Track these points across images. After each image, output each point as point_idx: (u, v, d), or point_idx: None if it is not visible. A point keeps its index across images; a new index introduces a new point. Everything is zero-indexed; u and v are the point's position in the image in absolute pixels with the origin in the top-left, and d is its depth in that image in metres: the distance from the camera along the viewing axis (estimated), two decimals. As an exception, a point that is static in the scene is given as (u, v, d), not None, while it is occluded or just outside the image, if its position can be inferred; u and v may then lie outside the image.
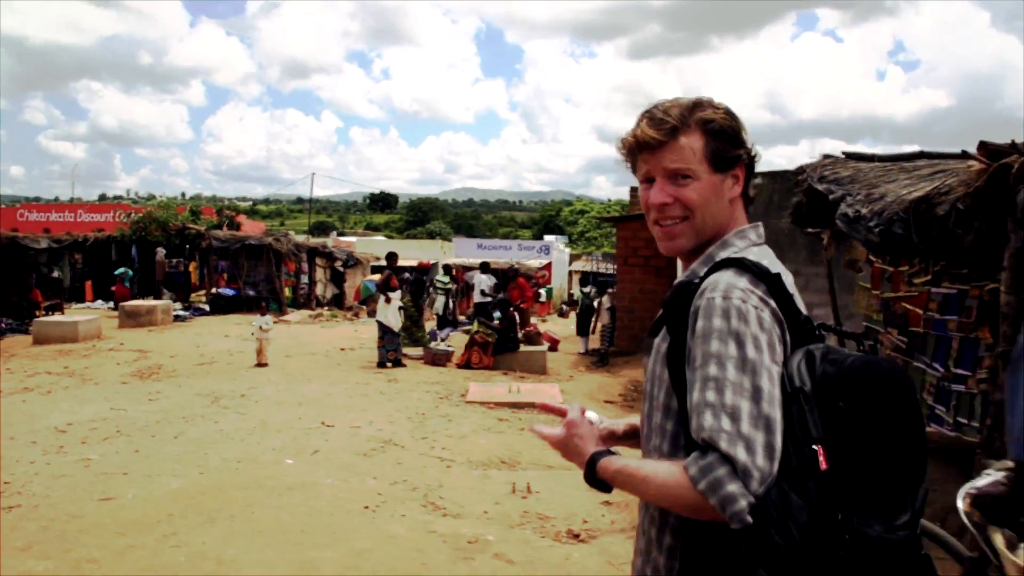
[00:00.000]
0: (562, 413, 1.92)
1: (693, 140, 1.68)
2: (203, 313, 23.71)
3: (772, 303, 1.56)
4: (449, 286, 18.06)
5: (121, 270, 24.87)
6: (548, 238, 59.32)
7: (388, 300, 13.81)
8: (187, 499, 5.89)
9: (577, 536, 5.53)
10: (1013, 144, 5.10)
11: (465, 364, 14.31)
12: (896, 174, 7.51)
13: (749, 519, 1.40)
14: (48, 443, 7.66)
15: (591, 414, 1.93)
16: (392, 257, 14.74)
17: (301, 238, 31.98)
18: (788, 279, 1.70)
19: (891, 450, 1.46)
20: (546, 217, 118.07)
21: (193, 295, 26.91)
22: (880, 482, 1.45)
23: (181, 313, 22.42)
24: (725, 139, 1.70)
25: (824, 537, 1.40)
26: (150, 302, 21.72)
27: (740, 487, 1.40)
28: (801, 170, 8.71)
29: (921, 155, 8.17)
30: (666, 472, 1.52)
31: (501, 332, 14.71)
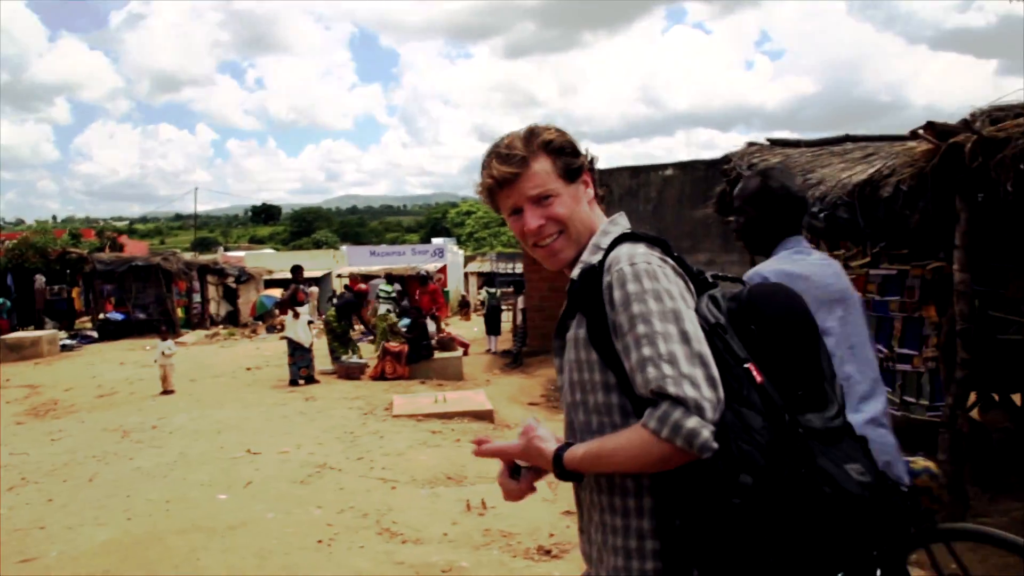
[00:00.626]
0: (504, 453, 1.96)
1: (543, 163, 1.85)
2: (92, 340, 22.53)
3: (671, 261, 1.75)
4: (393, 295, 17.57)
5: (-2, 301, 23.48)
6: (436, 241, 58.90)
7: (296, 315, 13.28)
8: (120, 551, 5.39)
9: (549, 552, 5.27)
10: (965, 123, 5.09)
11: (379, 376, 13.92)
12: (827, 159, 7.49)
13: (715, 444, 1.54)
14: (-53, 498, 6.98)
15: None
16: (297, 270, 14.20)
17: (188, 255, 30.81)
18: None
19: (803, 355, 1.72)
20: (432, 220, 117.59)
21: (77, 322, 25.58)
22: (804, 384, 1.67)
23: (68, 342, 21.26)
24: (566, 154, 1.89)
25: (782, 436, 1.56)
26: (33, 333, 20.55)
27: (698, 420, 1.53)
28: (727, 159, 8.66)
29: (847, 138, 8.21)
30: (628, 437, 1.64)
31: (413, 341, 14.36)
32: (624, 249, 1.75)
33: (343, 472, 7.43)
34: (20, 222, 63.45)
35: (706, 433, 1.53)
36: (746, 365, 1.63)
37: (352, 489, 6.88)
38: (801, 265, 2.78)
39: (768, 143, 8.54)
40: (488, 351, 18.21)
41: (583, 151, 1.94)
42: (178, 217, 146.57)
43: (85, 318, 27.45)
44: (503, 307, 20.10)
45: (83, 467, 7.97)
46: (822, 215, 6.44)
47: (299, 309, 13.31)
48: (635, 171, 12.65)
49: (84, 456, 8.44)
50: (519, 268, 35.34)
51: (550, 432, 1.85)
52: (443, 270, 38.86)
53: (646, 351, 1.61)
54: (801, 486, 1.55)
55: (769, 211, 2.90)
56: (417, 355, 14.24)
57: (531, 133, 1.89)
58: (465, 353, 16.44)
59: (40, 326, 24.07)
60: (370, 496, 6.67)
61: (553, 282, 16.98)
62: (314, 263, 40.46)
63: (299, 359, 13.32)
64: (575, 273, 1.86)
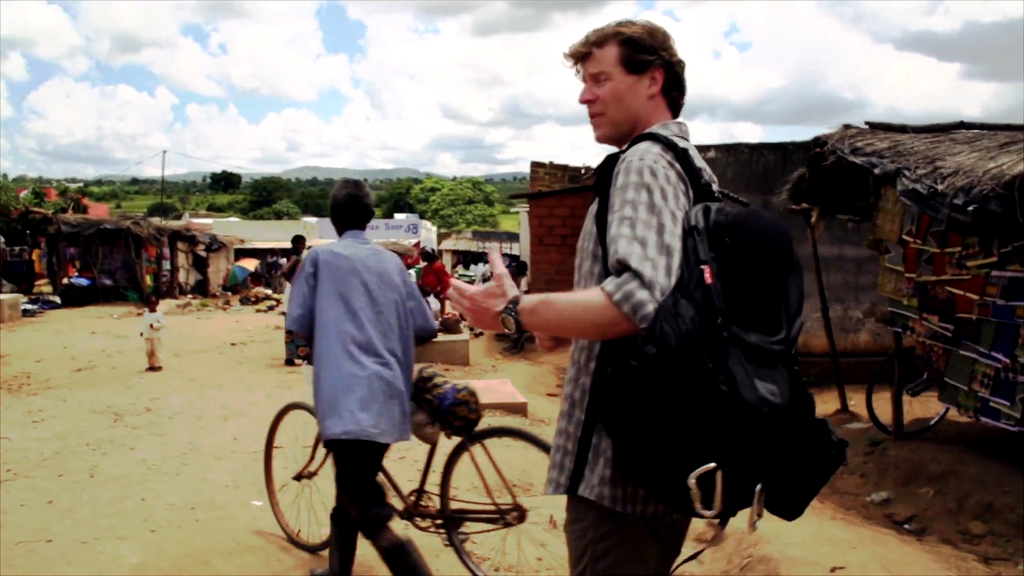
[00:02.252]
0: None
1: (610, 50, 2.11)
2: (54, 306, 21.18)
3: (678, 166, 1.93)
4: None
5: (-49, 262, 22.02)
6: (399, 216, 57.80)
7: (297, 289, 12.21)
8: (160, 579, 4.38)
9: None
10: None
11: (383, 358, 12.89)
12: (951, 146, 6.64)
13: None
14: (-78, 493, 5.89)
15: None
16: (299, 240, 13.07)
17: (156, 221, 29.40)
18: (697, 158, 2.02)
19: (766, 279, 1.84)
20: (395, 195, 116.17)
21: (36, 285, 24.16)
22: (759, 304, 1.81)
23: (29, 307, 19.88)
24: (636, 47, 2.09)
25: (706, 333, 1.70)
26: (-7, 296, 19.15)
27: (648, 294, 1.74)
28: (820, 141, 7.78)
29: (961, 125, 7.41)
30: (585, 295, 1.84)
31: (417, 321, 13.36)
32: (641, 146, 1.95)
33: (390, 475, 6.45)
34: (-32, 179, 60.80)
35: (650, 307, 1.72)
36: (702, 266, 1.77)
37: (407, 497, 5.92)
38: (350, 249, 3.79)
39: (868, 126, 7.70)
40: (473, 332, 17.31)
41: (665, 52, 2.11)
42: (135, 181, 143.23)
43: (42, 281, 26.03)
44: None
45: (79, 458, 6.90)
46: (970, 208, 5.57)
47: (300, 283, 12.24)
48: (675, 150, 11.78)
49: (77, 444, 7.37)
50: (514, 249, 34.38)
51: (509, 290, 1.96)
52: (417, 246, 37.81)
53: (624, 230, 1.82)
54: (702, 376, 1.66)
55: (341, 212, 3.94)
56: (419, 337, 13.24)
57: (617, 24, 2.12)
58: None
59: (-4, 289, 22.69)
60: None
61: (559, 265, 16.08)
62: (284, 234, 39.13)
63: (298, 337, 12.24)
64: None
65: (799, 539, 4.95)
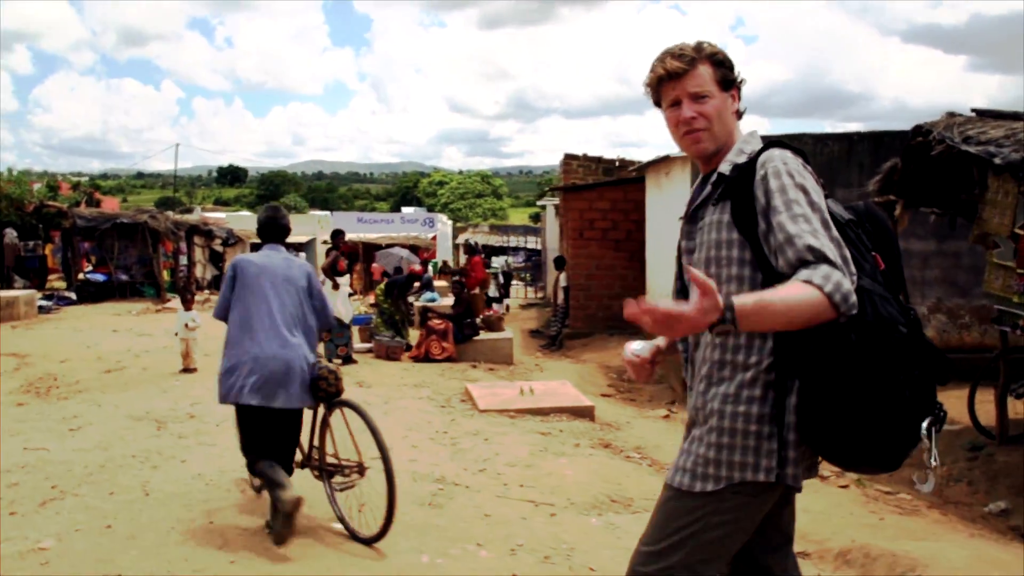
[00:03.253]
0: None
1: (706, 69, 2.26)
2: (70, 302, 20.57)
3: (810, 169, 2.18)
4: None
5: (-38, 256, 21.43)
6: (407, 210, 57.12)
7: (336, 286, 11.61)
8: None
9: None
10: None
11: (424, 357, 12.29)
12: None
13: (855, 303, 1.92)
14: (-38, 515, 5.29)
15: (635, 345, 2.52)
16: (338, 235, 12.43)
17: (172, 215, 28.76)
18: None
19: (895, 260, 2.20)
20: (402, 188, 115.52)
21: (48, 281, 23.59)
22: (895, 283, 2.14)
23: (44, 303, 19.26)
24: (726, 67, 2.29)
25: (901, 314, 2.02)
26: (8, 292, 18.52)
27: (850, 284, 1.92)
28: (922, 130, 7.15)
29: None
30: (798, 291, 1.92)
31: (457, 319, 12.75)
32: (776, 152, 2.16)
33: (473, 490, 5.85)
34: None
35: (854, 297, 1.91)
36: (873, 253, 2.11)
37: (501, 516, 5.31)
38: (264, 258, 4.91)
39: (975, 114, 7.09)
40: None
41: (737, 71, 2.32)
42: (140, 175, 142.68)
43: (55, 276, 25.46)
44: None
45: (127, 472, 6.30)
46: None
47: (339, 280, 11.63)
48: (738, 139, 11.18)
49: (122, 455, 6.78)
50: (528, 243, 33.76)
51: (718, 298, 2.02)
52: (434, 240, 37.20)
53: (803, 225, 1.98)
54: (926, 352, 2.01)
55: (263, 230, 5.12)
56: (461, 334, 12.64)
57: (700, 44, 2.29)
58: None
59: (8, 284, 22.08)
60: (531, 527, 5.12)
61: (600, 259, 15.48)
62: (297, 228, 38.53)
63: (337, 336, 11.66)
64: (724, 168, 2.25)
65: (961, 563, 4.39)
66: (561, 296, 15.66)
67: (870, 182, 8.42)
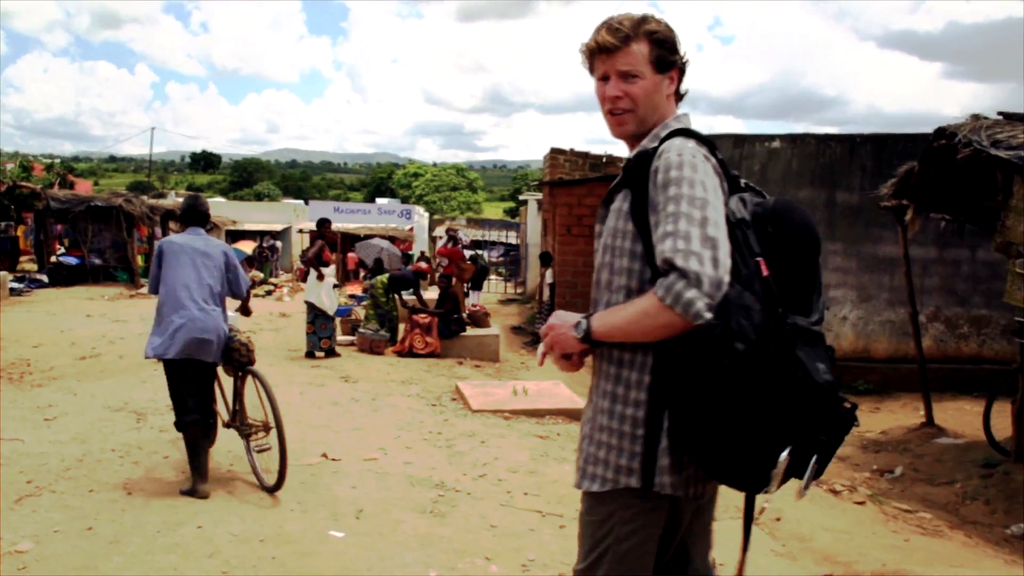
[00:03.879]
0: None
1: (641, 47, 2.13)
2: (41, 285, 20.04)
3: (713, 159, 2.03)
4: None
5: (-69, 236, 20.82)
6: (381, 200, 56.57)
7: (321, 277, 11.24)
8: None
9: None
10: None
11: (408, 351, 11.98)
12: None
13: (707, 315, 1.82)
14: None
15: None
16: (324, 223, 12.06)
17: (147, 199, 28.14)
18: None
19: (803, 265, 1.97)
20: (376, 179, 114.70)
21: (18, 263, 22.99)
22: (798, 289, 1.94)
23: (15, 285, 18.73)
24: (666, 47, 2.15)
25: (772, 323, 1.84)
26: (-22, 274, 17.99)
27: (696, 291, 1.82)
28: (946, 133, 6.90)
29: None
30: (641, 302, 1.95)
31: (443, 314, 12.45)
32: (677, 141, 2.02)
33: (476, 497, 5.56)
34: (-58, 152, 58.82)
35: (700, 304, 1.82)
36: (757, 259, 1.91)
37: (508, 527, 5.03)
38: (185, 240, 5.62)
39: (1002, 117, 6.86)
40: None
41: (681, 52, 2.19)
42: (112, 159, 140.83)
43: (25, 258, 24.86)
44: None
45: (107, 467, 5.97)
46: None
47: (324, 270, 11.28)
48: (738, 140, 10.91)
49: (100, 449, 6.43)
50: (505, 237, 33.46)
51: (563, 317, 2.14)
52: (411, 231, 36.85)
53: (669, 227, 1.89)
54: (779, 366, 1.82)
55: (185, 215, 5.87)
56: (448, 330, 12.34)
57: (642, 19, 2.15)
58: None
59: (-22, 266, 21.52)
60: (541, 540, 4.84)
61: (587, 257, 15.19)
62: (273, 216, 38.02)
63: (320, 328, 11.32)
64: (633, 154, 2.16)
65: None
66: (547, 293, 15.39)
67: (883, 185, 8.22)
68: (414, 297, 12.97)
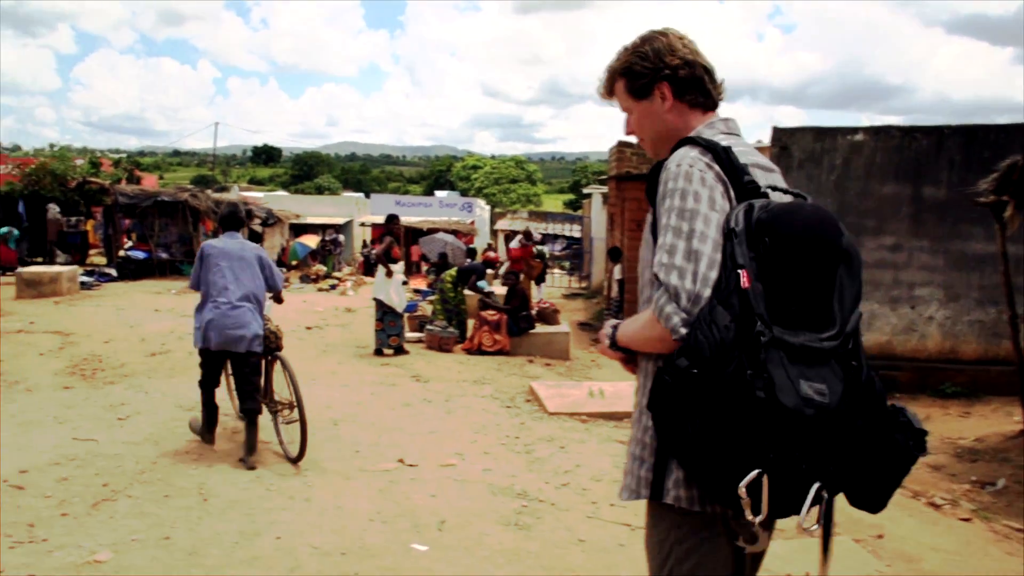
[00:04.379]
0: None
1: (620, 85, 2.21)
2: (110, 279, 20.28)
3: (716, 167, 1.90)
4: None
5: (5, 230, 21.17)
6: (440, 193, 56.53)
7: (389, 273, 11.10)
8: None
9: None
10: None
11: (477, 349, 11.80)
12: None
13: (683, 331, 1.77)
14: (8, 516, 4.84)
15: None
16: (393, 219, 11.89)
17: (213, 194, 28.36)
18: (747, 155, 2.03)
19: (811, 274, 1.76)
20: (435, 172, 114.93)
21: (88, 257, 23.33)
22: (806, 301, 1.74)
23: (85, 279, 18.94)
24: (633, 76, 2.15)
25: (744, 340, 1.67)
26: (51, 268, 18.22)
27: (674, 306, 1.79)
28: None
29: None
30: (643, 315, 1.95)
31: (512, 311, 12.22)
32: (680, 150, 1.95)
33: (560, 508, 5.33)
34: (17, 148, 60.14)
35: (676, 319, 1.78)
36: (739, 270, 1.73)
37: (597, 542, 4.79)
38: (224, 243, 6.35)
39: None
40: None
41: (663, 65, 2.10)
42: (176, 153, 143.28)
43: (94, 252, 25.26)
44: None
45: (182, 471, 5.86)
46: None
47: (393, 267, 11.13)
48: (819, 133, 10.46)
49: (174, 450, 6.35)
50: (568, 230, 33.17)
51: (609, 324, 2.12)
52: (472, 224, 36.70)
53: (661, 239, 1.87)
54: (738, 384, 1.65)
55: (224, 220, 6.70)
56: (517, 327, 12.12)
57: (615, 59, 2.21)
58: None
59: (50, 259, 21.85)
60: (633, 557, 4.57)
61: (658, 251, 14.89)
62: (335, 209, 38.13)
63: (390, 325, 11.18)
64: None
65: None
66: (616, 289, 15.09)
67: (982, 181, 7.77)
68: (486, 286, 12.79)
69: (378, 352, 11.20)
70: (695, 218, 1.83)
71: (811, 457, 1.68)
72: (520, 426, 7.45)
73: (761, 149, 10.57)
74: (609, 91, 2.25)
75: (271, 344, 6.45)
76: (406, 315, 12.51)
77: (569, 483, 5.84)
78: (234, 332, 6.12)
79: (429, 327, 12.41)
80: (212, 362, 6.37)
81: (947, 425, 9.20)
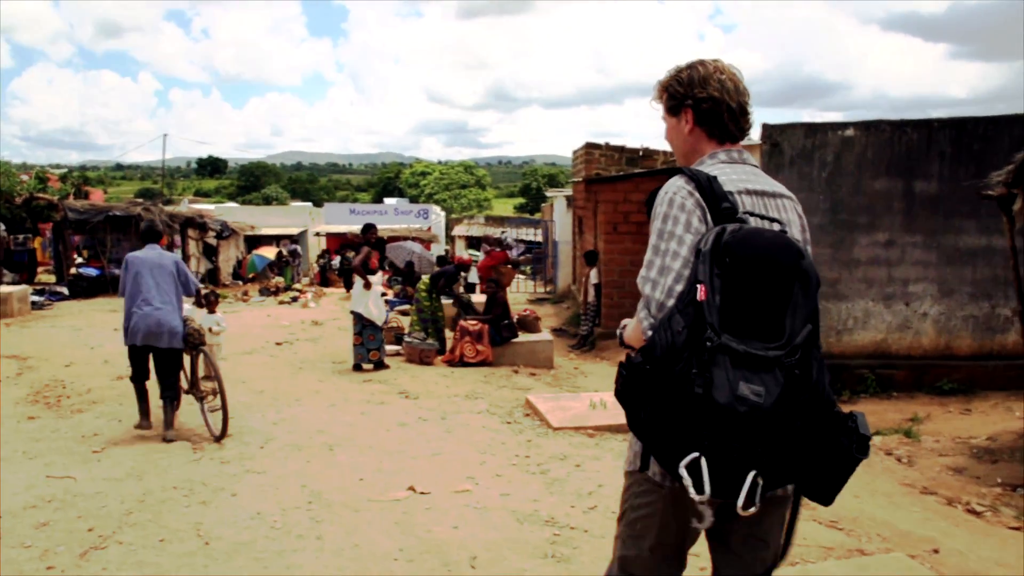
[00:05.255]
0: None
1: (662, 99, 2.46)
2: (62, 297, 19.48)
3: (697, 195, 2.16)
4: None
5: (-52, 250, 20.23)
6: (390, 201, 55.91)
7: (368, 285, 10.61)
8: None
9: None
10: None
11: (459, 360, 11.37)
12: None
13: (650, 333, 2.08)
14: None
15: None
16: (370, 229, 11.38)
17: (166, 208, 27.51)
18: (732, 182, 2.26)
19: (765, 292, 1.99)
20: (384, 179, 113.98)
21: (37, 275, 22.43)
22: (760, 316, 1.96)
23: (36, 299, 18.14)
24: (669, 95, 2.43)
25: (694, 344, 1.94)
26: (1, 288, 17.38)
27: (645, 312, 2.14)
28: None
29: None
30: (635, 319, 2.24)
31: (493, 320, 11.81)
32: (670, 180, 2.24)
33: (593, 535, 4.91)
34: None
35: (646, 323, 2.13)
36: (698, 284, 1.99)
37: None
38: (145, 253, 7.30)
39: None
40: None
41: (693, 92, 2.36)
42: (119, 167, 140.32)
43: (41, 270, 24.35)
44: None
45: (173, 509, 5.36)
46: None
47: (372, 278, 10.65)
48: (810, 129, 10.18)
49: (160, 486, 5.83)
50: (526, 234, 32.82)
51: (623, 323, 2.42)
52: (429, 231, 36.24)
53: (645, 257, 2.19)
54: (681, 380, 1.93)
55: (144, 234, 7.66)
56: (499, 337, 11.70)
57: (667, 73, 2.46)
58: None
59: (-3, 279, 20.97)
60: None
61: (635, 256, 14.55)
62: (289, 220, 37.48)
63: (368, 339, 10.69)
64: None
65: None
66: (592, 293, 14.73)
67: (994, 174, 7.53)
68: (463, 292, 12.34)
69: (357, 368, 10.71)
70: (671, 239, 2.13)
71: (745, 447, 1.89)
72: (527, 444, 7.04)
73: (751, 147, 10.32)
74: (659, 99, 2.49)
75: (194, 340, 7.38)
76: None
77: (596, 506, 5.44)
78: (156, 330, 7.05)
79: (407, 339, 11.93)
80: (138, 357, 7.28)
81: (950, 424, 8.98)
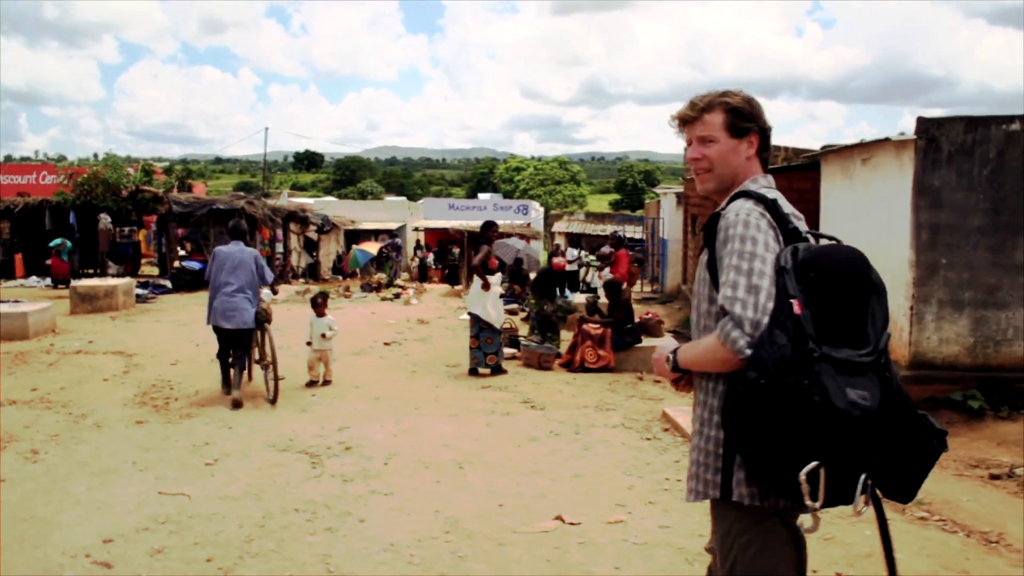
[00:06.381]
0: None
1: (716, 116, 2.44)
2: (165, 291, 19.44)
3: (768, 216, 2.28)
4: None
5: (58, 241, 20.43)
6: (483, 196, 55.54)
7: (487, 286, 9.99)
8: None
9: None
10: None
11: (579, 366, 10.67)
12: None
13: (748, 351, 2.12)
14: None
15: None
16: (490, 227, 10.70)
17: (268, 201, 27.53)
18: (786, 205, 2.38)
19: (849, 302, 2.13)
20: (478, 174, 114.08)
21: (140, 267, 22.57)
22: (846, 324, 2.10)
23: (141, 292, 18.10)
24: (739, 115, 2.43)
25: (799, 355, 2.03)
26: (106, 281, 17.39)
27: (739, 331, 2.14)
28: None
29: None
30: (707, 340, 2.30)
31: (616, 324, 11.07)
32: (737, 203, 2.32)
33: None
34: (62, 158, 60.11)
35: (741, 342, 2.14)
36: (791, 299, 2.09)
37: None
38: (230, 248, 8.51)
39: None
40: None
41: (761, 120, 2.47)
42: (218, 160, 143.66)
43: (144, 262, 24.53)
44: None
45: (297, 537, 4.80)
46: None
47: (491, 278, 10.02)
48: (971, 123, 9.17)
49: (280, 508, 5.29)
50: (629, 232, 31.96)
51: (662, 347, 2.52)
52: (529, 227, 35.62)
53: (724, 277, 2.22)
54: (797, 391, 2.01)
55: (231, 232, 8.85)
56: (622, 342, 10.95)
57: (722, 93, 2.47)
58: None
59: (103, 271, 21.10)
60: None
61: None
62: (387, 215, 37.28)
63: (486, 343, 10.08)
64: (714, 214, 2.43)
65: None
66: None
67: None
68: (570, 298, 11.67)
69: (473, 372, 10.11)
70: (754, 258, 2.20)
71: (858, 452, 2.04)
72: (675, 465, 6.30)
73: (904, 142, 9.34)
74: (696, 115, 2.46)
75: (262, 318, 8.58)
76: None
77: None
78: (230, 313, 8.25)
79: (525, 343, 11.29)
80: (220, 335, 8.51)
81: None
